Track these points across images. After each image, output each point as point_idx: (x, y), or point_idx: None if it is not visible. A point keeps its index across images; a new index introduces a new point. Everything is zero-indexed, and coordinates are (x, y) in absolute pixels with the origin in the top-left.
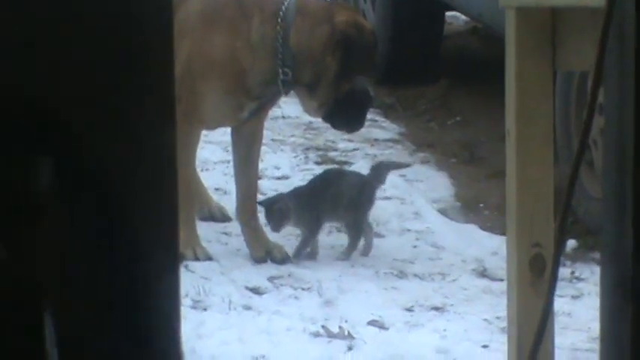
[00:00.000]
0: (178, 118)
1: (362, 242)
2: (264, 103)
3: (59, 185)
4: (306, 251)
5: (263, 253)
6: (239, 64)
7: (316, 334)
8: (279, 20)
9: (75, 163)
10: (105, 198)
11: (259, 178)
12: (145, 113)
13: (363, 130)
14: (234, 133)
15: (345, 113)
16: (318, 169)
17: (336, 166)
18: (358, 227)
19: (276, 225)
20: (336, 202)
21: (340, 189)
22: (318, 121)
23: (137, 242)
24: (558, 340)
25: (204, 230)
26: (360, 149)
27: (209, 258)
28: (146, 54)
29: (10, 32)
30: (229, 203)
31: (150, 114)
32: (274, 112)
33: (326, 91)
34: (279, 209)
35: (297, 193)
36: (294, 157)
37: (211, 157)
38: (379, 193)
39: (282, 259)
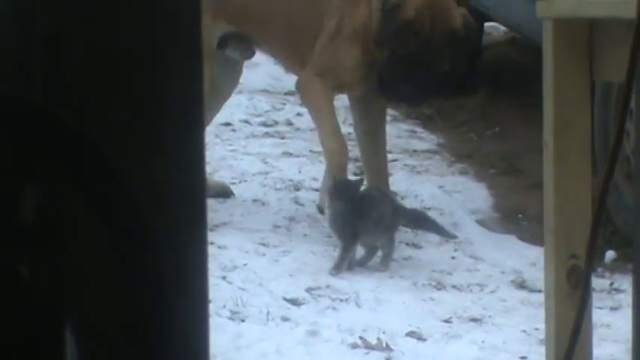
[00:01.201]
0: (316, 87)
1: (379, 253)
2: None
3: (81, 200)
4: (345, 263)
5: None
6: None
7: (354, 346)
8: None
9: (98, 173)
10: (130, 213)
11: (297, 190)
12: (172, 120)
13: (401, 141)
14: (357, 112)
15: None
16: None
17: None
18: (391, 243)
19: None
20: (375, 225)
21: (381, 212)
22: None
23: (162, 260)
24: (597, 352)
25: (242, 241)
26: (398, 160)
27: None
28: (174, 62)
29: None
30: (267, 215)
31: (177, 121)
32: (312, 123)
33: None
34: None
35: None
36: None
37: (249, 169)
38: (417, 203)
39: None
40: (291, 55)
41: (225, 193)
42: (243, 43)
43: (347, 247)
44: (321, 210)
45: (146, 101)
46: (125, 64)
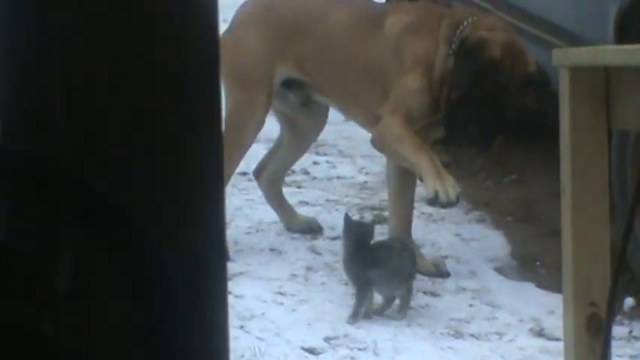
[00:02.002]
0: (391, 126)
1: (397, 302)
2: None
3: (110, 266)
4: (362, 311)
5: (431, 268)
6: (434, 69)
7: None
8: (459, 31)
9: (127, 240)
10: (157, 278)
11: (315, 239)
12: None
13: (418, 189)
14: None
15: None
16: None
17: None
18: (409, 292)
19: None
20: (394, 275)
21: (400, 263)
22: (372, 181)
23: (186, 322)
24: None
25: (259, 290)
26: (415, 207)
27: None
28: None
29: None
30: (284, 264)
31: (202, 191)
32: (329, 172)
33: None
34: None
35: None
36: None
37: (266, 218)
38: (435, 251)
39: (446, 272)
40: (364, 106)
41: (311, 229)
42: (303, 91)
43: (362, 294)
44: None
45: (179, 177)
46: (157, 130)
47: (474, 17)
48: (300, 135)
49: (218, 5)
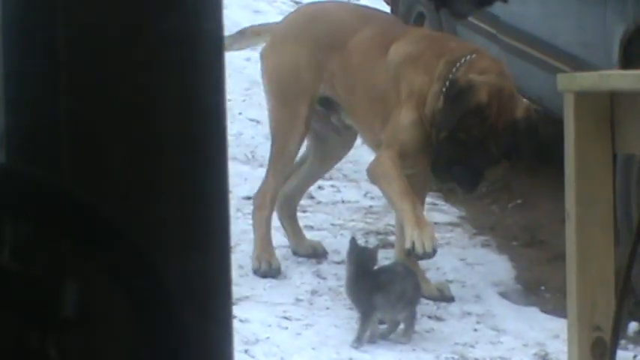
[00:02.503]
0: (384, 162)
1: (401, 326)
2: None
3: (115, 293)
4: (366, 335)
5: (435, 292)
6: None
7: None
8: (454, 70)
9: (131, 266)
10: (162, 305)
11: (319, 263)
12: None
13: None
14: None
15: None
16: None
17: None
18: (413, 316)
19: None
20: (398, 300)
21: (403, 288)
22: (377, 205)
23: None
24: None
25: (264, 315)
26: None
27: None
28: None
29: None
30: (289, 288)
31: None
32: (334, 196)
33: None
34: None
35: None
36: None
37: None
38: (440, 276)
39: (451, 297)
40: (370, 129)
41: (316, 253)
42: (337, 110)
43: (365, 318)
44: None
45: (182, 195)
46: (163, 158)
47: (472, 56)
48: (327, 154)
49: (222, 9)
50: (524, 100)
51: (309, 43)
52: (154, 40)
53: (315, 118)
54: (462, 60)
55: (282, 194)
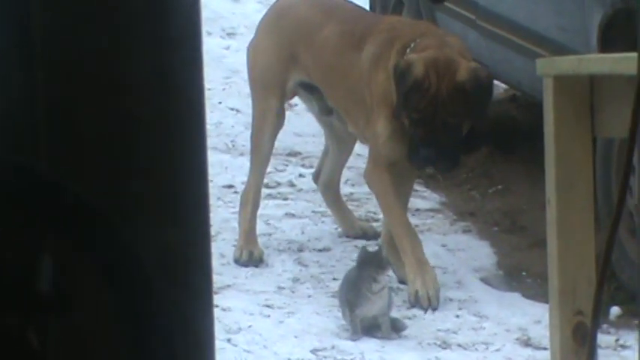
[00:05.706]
0: (377, 170)
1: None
2: None
3: (91, 269)
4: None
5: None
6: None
7: None
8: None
9: (107, 242)
10: (139, 281)
11: (301, 251)
12: (182, 189)
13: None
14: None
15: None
16: (360, 242)
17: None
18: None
19: None
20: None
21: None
22: (359, 192)
23: (171, 325)
24: None
25: (246, 303)
26: None
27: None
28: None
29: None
30: (270, 276)
31: (187, 190)
32: (314, 184)
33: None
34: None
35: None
36: (335, 228)
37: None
38: None
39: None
40: (355, 118)
41: (366, 235)
42: (321, 98)
43: (352, 315)
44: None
45: (158, 171)
46: (139, 133)
47: (419, 40)
48: (340, 137)
49: (200, 5)
50: (470, 62)
51: (277, 37)
52: (128, 14)
53: (310, 108)
54: (411, 45)
55: (321, 184)
